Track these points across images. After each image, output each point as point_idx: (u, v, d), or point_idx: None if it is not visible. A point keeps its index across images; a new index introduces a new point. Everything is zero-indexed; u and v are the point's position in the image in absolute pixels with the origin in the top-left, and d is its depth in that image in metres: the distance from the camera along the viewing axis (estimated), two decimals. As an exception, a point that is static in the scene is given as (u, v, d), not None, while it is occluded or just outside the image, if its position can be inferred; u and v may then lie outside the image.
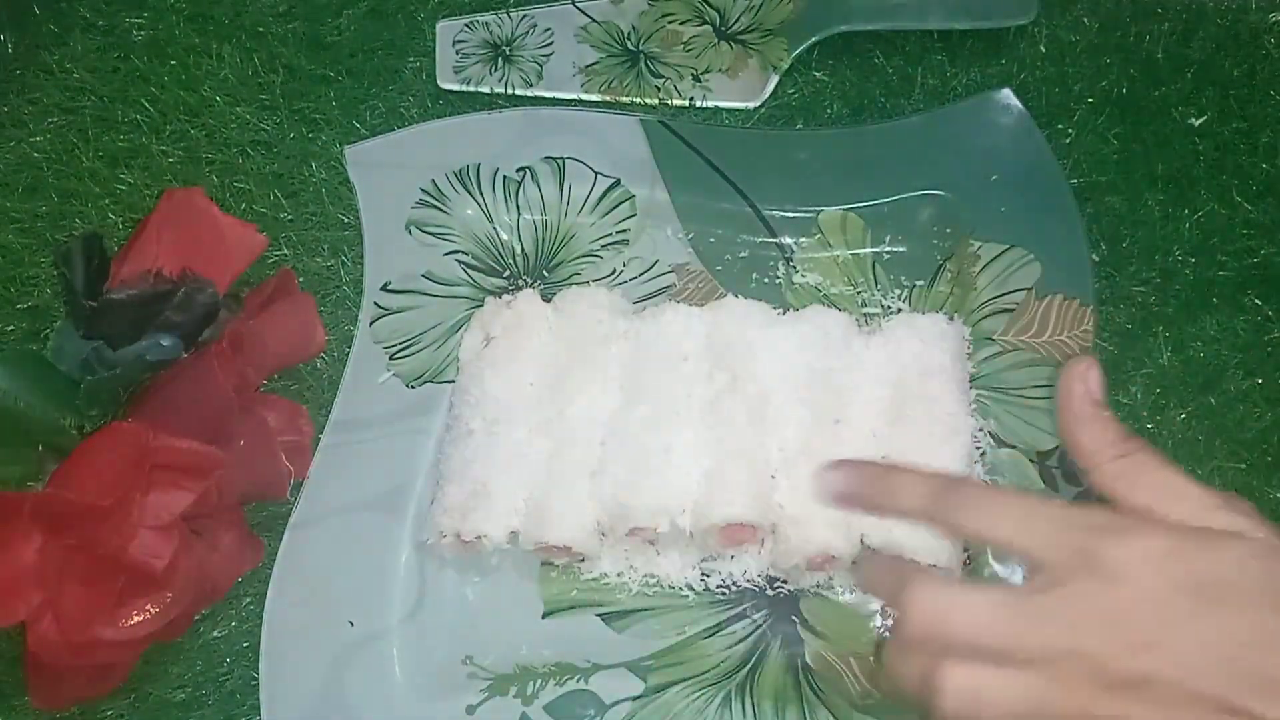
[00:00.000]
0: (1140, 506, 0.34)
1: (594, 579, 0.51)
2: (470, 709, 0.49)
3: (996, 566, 0.50)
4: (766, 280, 0.56)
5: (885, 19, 0.60)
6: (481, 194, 0.58)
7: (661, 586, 0.51)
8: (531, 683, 0.49)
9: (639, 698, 0.49)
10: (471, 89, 0.61)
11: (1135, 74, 0.60)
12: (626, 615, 0.51)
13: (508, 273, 0.57)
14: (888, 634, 0.49)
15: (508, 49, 0.62)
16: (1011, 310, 0.54)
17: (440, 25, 0.63)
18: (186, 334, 0.49)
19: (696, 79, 0.62)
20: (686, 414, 0.50)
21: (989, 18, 0.60)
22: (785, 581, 0.51)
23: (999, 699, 0.32)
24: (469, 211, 0.58)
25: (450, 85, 0.61)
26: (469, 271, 0.57)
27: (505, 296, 0.55)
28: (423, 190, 0.57)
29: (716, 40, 0.63)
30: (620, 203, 0.58)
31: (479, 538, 0.49)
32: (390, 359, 0.55)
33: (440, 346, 0.55)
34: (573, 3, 0.64)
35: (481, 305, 0.56)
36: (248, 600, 0.51)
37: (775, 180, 0.57)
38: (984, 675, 0.33)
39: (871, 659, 0.49)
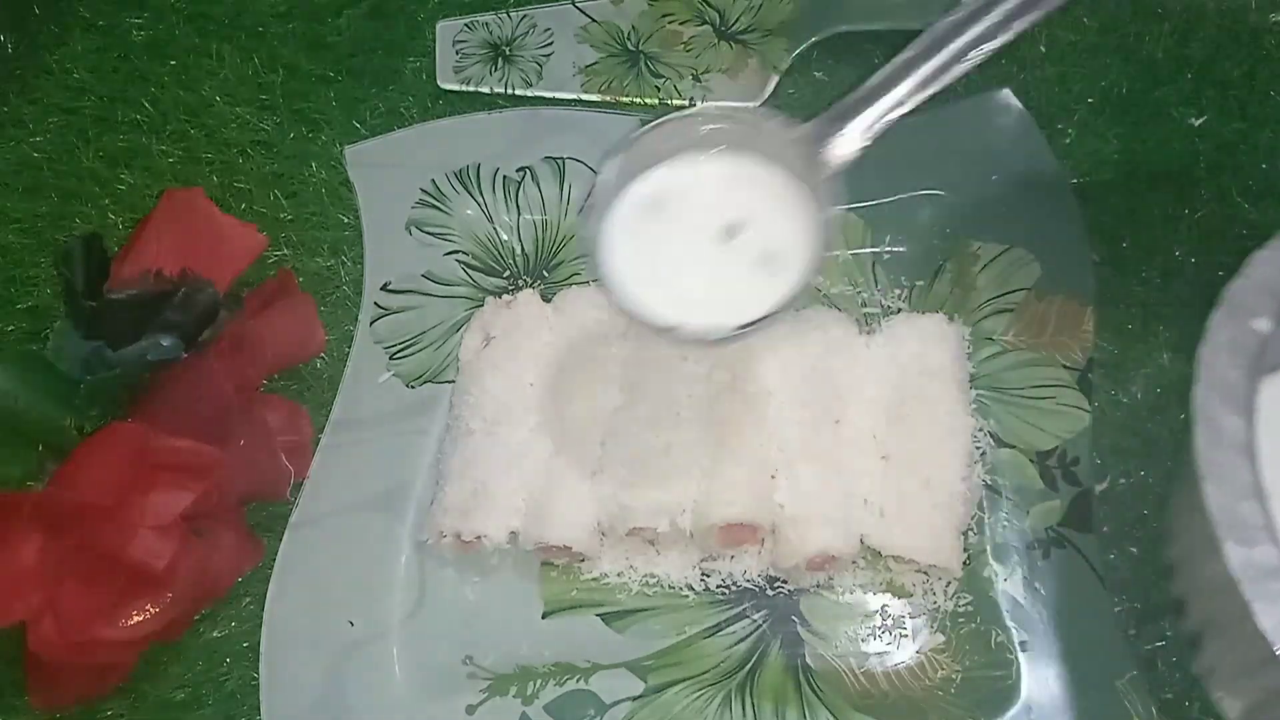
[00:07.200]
0: None
1: (594, 579, 0.51)
2: (470, 709, 0.49)
3: (996, 566, 0.50)
4: (766, 280, 0.56)
5: (885, 19, 0.60)
6: (481, 194, 0.58)
7: (661, 586, 0.51)
8: (531, 683, 0.49)
9: (639, 698, 0.49)
10: (471, 89, 0.61)
11: (1135, 74, 0.60)
12: (626, 615, 0.51)
13: (508, 273, 0.57)
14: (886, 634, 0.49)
15: (508, 49, 0.62)
16: (1011, 310, 0.54)
17: (440, 25, 0.63)
18: (186, 334, 0.49)
19: (696, 79, 0.61)
20: (686, 414, 0.50)
21: (989, 18, 0.60)
22: (785, 581, 0.51)
23: None
24: (469, 211, 0.58)
25: (450, 85, 0.61)
26: (469, 271, 0.57)
27: (505, 296, 0.55)
28: (423, 190, 0.57)
29: (716, 40, 0.63)
30: (620, 203, 0.57)
31: (479, 538, 0.49)
32: (390, 359, 0.55)
33: (440, 346, 0.55)
34: (573, 3, 0.64)
35: (481, 305, 0.56)
36: (248, 600, 0.51)
37: (775, 180, 0.57)
38: None
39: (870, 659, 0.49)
